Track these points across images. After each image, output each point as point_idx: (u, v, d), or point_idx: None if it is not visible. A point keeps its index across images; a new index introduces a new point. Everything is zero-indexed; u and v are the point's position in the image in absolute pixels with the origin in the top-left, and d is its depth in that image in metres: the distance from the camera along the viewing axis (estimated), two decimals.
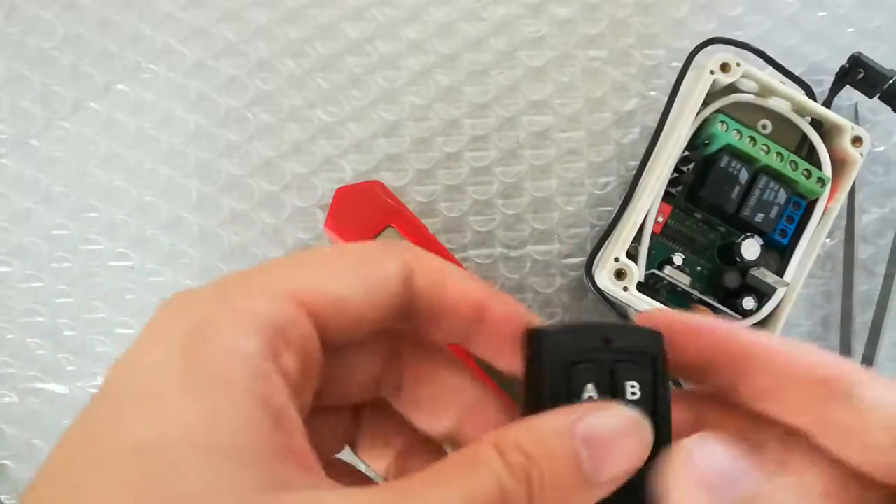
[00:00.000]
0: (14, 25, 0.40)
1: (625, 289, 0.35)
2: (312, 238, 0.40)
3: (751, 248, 0.36)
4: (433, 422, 0.22)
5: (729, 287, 0.37)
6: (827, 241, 0.40)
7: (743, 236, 0.36)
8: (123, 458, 0.15)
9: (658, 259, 0.37)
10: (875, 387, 0.18)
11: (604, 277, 0.35)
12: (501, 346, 0.21)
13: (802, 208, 0.37)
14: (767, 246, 0.37)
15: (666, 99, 0.41)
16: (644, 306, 0.35)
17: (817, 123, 0.37)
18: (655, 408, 0.20)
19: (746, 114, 0.37)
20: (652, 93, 0.42)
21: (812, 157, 0.37)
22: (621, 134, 0.42)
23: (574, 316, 0.41)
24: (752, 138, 0.36)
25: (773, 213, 0.36)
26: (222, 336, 0.17)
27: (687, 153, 0.37)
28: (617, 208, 0.38)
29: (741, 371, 0.20)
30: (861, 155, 0.36)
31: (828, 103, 0.39)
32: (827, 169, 0.37)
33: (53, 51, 0.40)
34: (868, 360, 0.40)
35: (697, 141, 0.37)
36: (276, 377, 0.17)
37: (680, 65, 0.42)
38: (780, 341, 0.20)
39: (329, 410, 0.22)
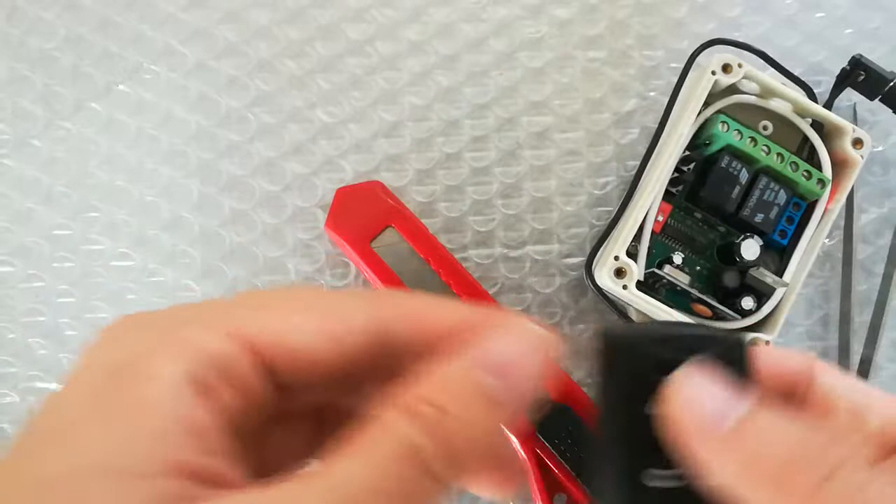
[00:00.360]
0: (15, 26, 0.40)
1: (624, 287, 0.35)
2: (313, 238, 0.40)
3: (750, 249, 0.36)
4: None
5: (728, 287, 0.37)
6: (826, 241, 0.40)
7: (742, 236, 0.36)
8: (27, 493, 0.15)
9: (658, 258, 0.37)
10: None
11: (603, 276, 0.35)
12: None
13: (802, 209, 0.37)
14: (767, 246, 0.36)
15: (665, 99, 0.41)
16: (644, 305, 0.35)
17: (818, 125, 0.37)
18: None
19: (747, 115, 0.36)
20: (651, 93, 0.42)
21: (812, 158, 0.37)
22: (620, 134, 0.41)
23: (574, 315, 0.40)
24: (753, 139, 0.35)
25: (773, 213, 0.36)
26: (148, 364, 0.16)
27: (688, 153, 0.36)
28: (617, 207, 0.37)
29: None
30: (861, 157, 0.36)
31: (829, 105, 0.38)
32: (827, 170, 0.36)
33: (55, 51, 0.40)
34: (867, 359, 0.40)
35: (698, 141, 0.36)
36: (199, 401, 0.16)
37: (679, 65, 0.41)
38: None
39: (289, 420, 0.21)
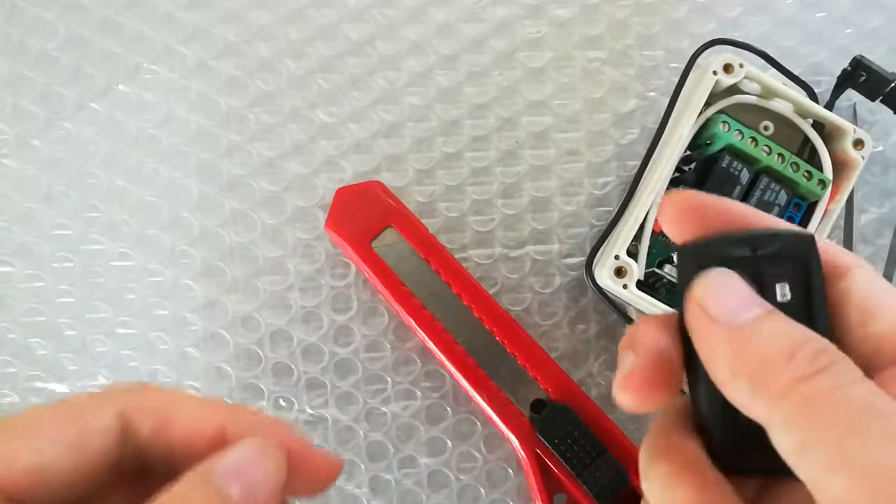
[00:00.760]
0: (15, 26, 0.39)
1: (624, 286, 0.34)
2: (313, 238, 0.39)
3: None
4: None
5: None
6: (825, 239, 0.39)
7: None
8: None
9: (658, 257, 0.36)
10: None
11: (604, 275, 0.34)
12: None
13: (803, 210, 0.36)
14: None
15: (665, 99, 0.40)
16: (644, 304, 0.34)
17: (819, 125, 0.36)
18: (810, 307, 0.19)
19: (748, 115, 0.36)
20: (651, 93, 0.41)
21: (813, 158, 0.36)
22: (620, 134, 0.41)
23: (574, 315, 0.40)
24: (754, 139, 0.35)
25: (774, 214, 0.35)
26: None
27: (688, 153, 0.36)
28: (617, 207, 0.37)
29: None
30: (862, 158, 0.35)
31: (830, 105, 0.37)
32: (828, 171, 0.36)
33: (55, 51, 0.39)
34: None
35: (699, 141, 0.36)
36: None
37: (679, 65, 0.41)
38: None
39: None
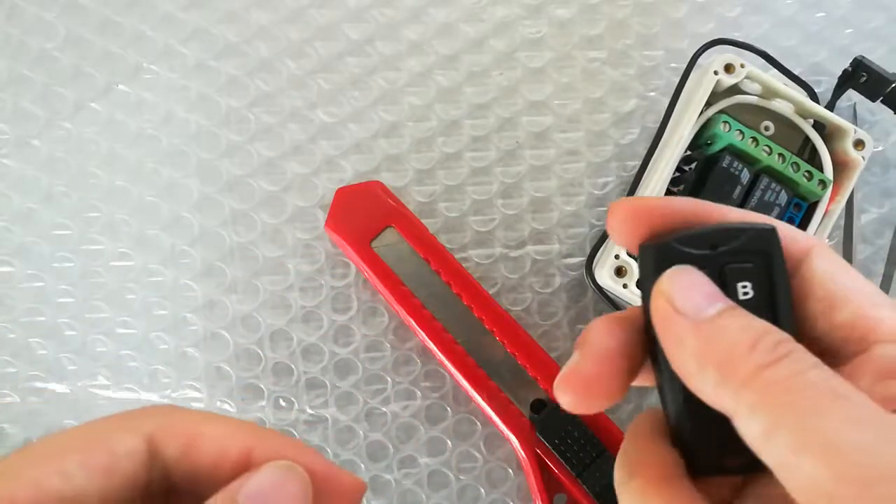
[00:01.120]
0: (15, 26, 0.39)
1: (624, 286, 0.34)
2: (313, 238, 0.39)
3: None
4: None
5: None
6: (826, 240, 0.39)
7: None
8: None
9: None
10: None
11: (604, 274, 0.34)
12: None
13: (803, 210, 0.35)
14: None
15: (665, 99, 0.40)
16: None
17: (820, 126, 0.36)
18: (774, 303, 0.19)
19: (749, 115, 0.35)
20: (651, 93, 0.40)
21: (814, 159, 0.36)
22: (620, 134, 0.40)
23: (573, 315, 0.39)
24: (755, 139, 0.34)
25: (774, 214, 0.35)
26: None
27: (689, 152, 0.35)
28: None
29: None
30: (863, 158, 0.35)
31: (830, 106, 0.37)
32: (828, 171, 0.35)
33: (55, 51, 0.39)
34: None
35: (700, 141, 0.35)
36: None
37: (679, 65, 0.40)
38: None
39: None
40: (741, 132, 0.34)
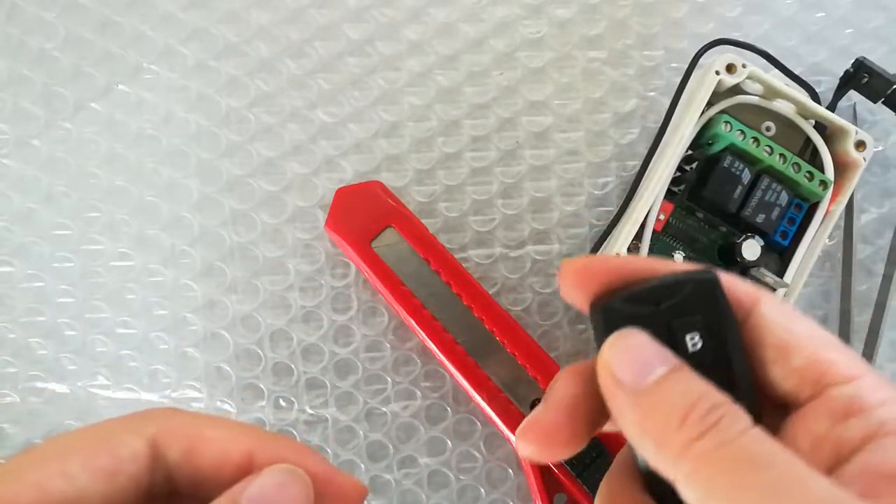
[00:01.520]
0: (15, 26, 0.38)
1: None
2: (313, 238, 0.38)
3: (751, 249, 0.34)
4: None
5: None
6: (826, 241, 0.38)
7: (744, 237, 0.34)
8: None
9: (659, 257, 0.35)
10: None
11: None
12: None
13: (804, 211, 0.35)
14: (768, 247, 0.35)
15: (665, 99, 0.39)
16: None
17: (821, 126, 0.35)
18: (724, 352, 0.19)
19: (750, 115, 0.35)
20: (651, 93, 0.40)
21: (815, 159, 0.35)
22: (620, 134, 0.40)
23: (574, 315, 0.39)
24: (756, 139, 0.34)
25: (775, 214, 0.34)
26: None
27: (690, 152, 0.35)
28: (618, 206, 0.36)
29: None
30: (864, 159, 0.34)
31: (832, 107, 0.36)
32: (829, 172, 0.35)
33: (55, 51, 0.38)
34: (866, 359, 0.38)
35: (701, 140, 0.35)
36: None
37: (679, 65, 0.40)
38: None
39: None
40: (742, 132, 0.33)
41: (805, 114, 0.35)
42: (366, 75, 0.39)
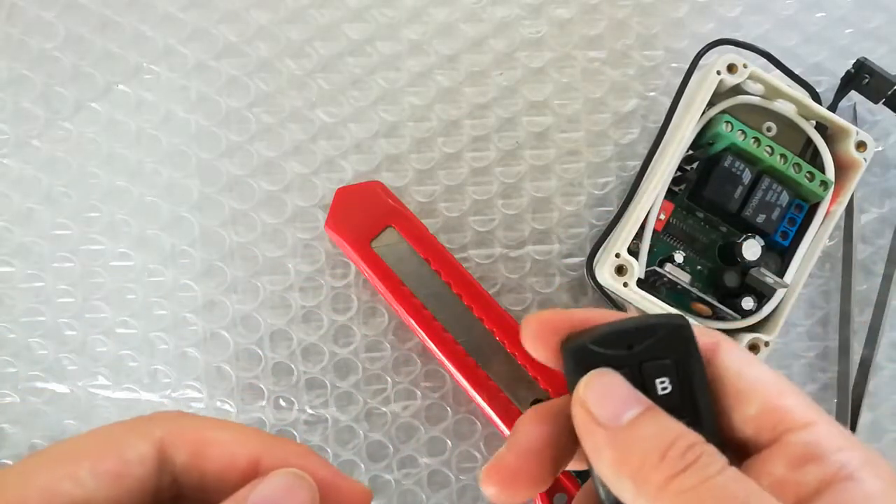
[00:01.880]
0: (15, 26, 0.38)
1: (625, 284, 0.33)
2: (313, 238, 0.38)
3: (751, 249, 0.34)
4: None
5: (728, 287, 0.35)
6: (826, 241, 0.38)
7: (744, 237, 0.34)
8: None
9: (659, 256, 0.35)
10: None
11: (605, 273, 0.33)
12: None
13: (804, 211, 0.34)
14: (768, 247, 0.34)
15: (665, 99, 0.39)
16: (644, 303, 0.33)
17: (822, 127, 0.35)
18: (692, 395, 0.20)
19: (751, 115, 0.34)
20: (651, 93, 0.39)
21: (816, 160, 0.35)
22: (620, 134, 0.39)
23: None
24: (757, 139, 0.33)
25: (775, 214, 0.34)
26: None
27: (691, 152, 0.34)
28: (617, 207, 0.35)
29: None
30: (865, 160, 0.34)
31: (833, 107, 0.36)
32: (830, 172, 0.34)
33: (55, 51, 0.38)
34: (867, 359, 0.38)
35: (702, 140, 0.34)
36: None
37: (679, 65, 0.39)
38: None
39: None
40: (743, 132, 0.33)
41: (806, 114, 0.34)
42: (366, 75, 0.38)
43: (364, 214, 0.36)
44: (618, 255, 0.33)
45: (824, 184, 0.34)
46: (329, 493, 0.19)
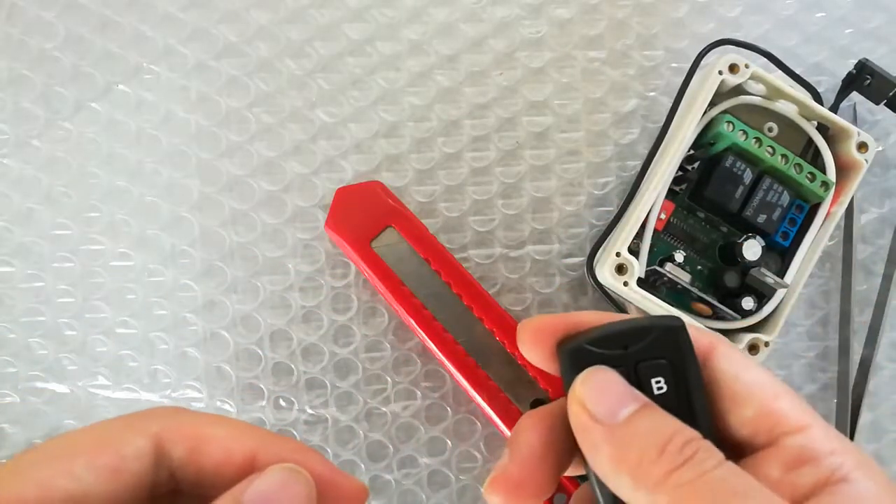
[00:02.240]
0: (15, 26, 0.37)
1: (625, 283, 0.32)
2: (313, 238, 0.37)
3: (752, 249, 0.33)
4: None
5: (729, 286, 0.34)
6: (827, 242, 0.37)
7: (744, 237, 0.33)
8: None
9: (659, 256, 0.34)
10: None
11: (605, 272, 0.32)
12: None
13: (805, 211, 0.34)
14: (768, 247, 0.34)
15: (665, 99, 0.38)
16: (644, 302, 0.33)
17: (823, 127, 0.34)
18: (687, 395, 0.19)
19: (753, 116, 0.34)
20: (651, 93, 0.39)
21: (817, 160, 0.34)
22: (620, 134, 0.39)
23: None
24: (758, 139, 0.33)
25: (776, 214, 0.33)
26: None
27: (692, 152, 0.34)
28: (618, 206, 0.35)
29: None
30: (866, 161, 0.33)
31: (834, 108, 0.35)
32: (831, 173, 0.34)
33: (55, 51, 0.37)
34: (867, 359, 0.37)
35: (703, 140, 0.34)
36: None
37: (679, 65, 0.39)
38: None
39: None
40: (745, 132, 0.32)
41: (808, 115, 0.34)
42: (366, 75, 0.38)
43: (364, 214, 0.35)
44: (618, 254, 0.32)
45: (825, 184, 0.33)
46: (326, 488, 0.19)
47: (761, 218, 0.33)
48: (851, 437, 0.36)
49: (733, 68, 0.32)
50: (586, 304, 0.38)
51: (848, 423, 0.37)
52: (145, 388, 0.36)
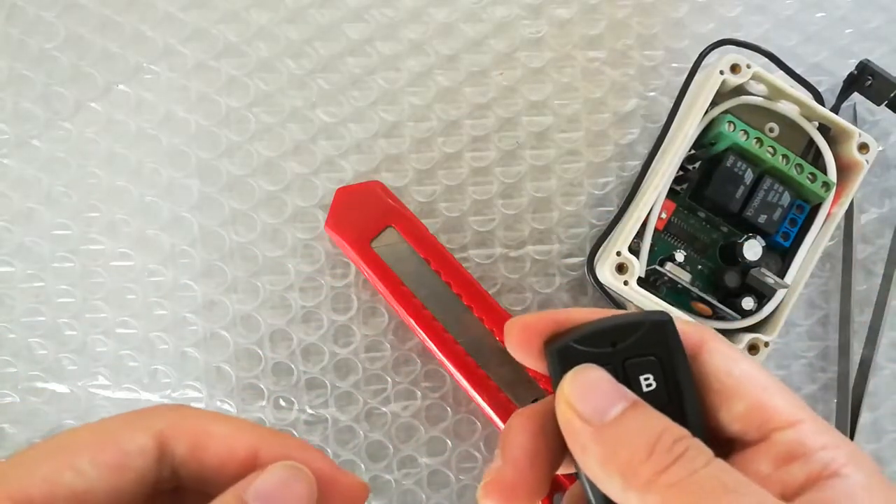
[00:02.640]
0: (15, 26, 0.37)
1: (625, 283, 0.32)
2: (313, 238, 0.37)
3: (752, 249, 0.33)
4: None
5: (729, 286, 0.34)
6: (827, 243, 0.37)
7: (745, 237, 0.33)
8: None
9: (660, 255, 0.34)
10: None
11: (605, 271, 0.32)
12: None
13: (806, 212, 0.33)
14: (769, 247, 0.33)
15: (665, 99, 0.38)
16: (645, 302, 0.32)
17: (824, 128, 0.34)
18: (677, 391, 0.19)
19: (754, 116, 0.33)
20: (651, 93, 0.38)
21: (818, 161, 0.34)
22: (620, 134, 0.38)
23: None
24: (759, 139, 0.32)
25: (777, 215, 0.33)
26: None
27: (693, 151, 0.33)
28: (618, 206, 0.34)
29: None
30: (867, 162, 0.33)
31: (835, 109, 0.35)
32: (832, 174, 0.33)
33: (55, 51, 0.37)
34: (867, 359, 0.37)
35: (704, 140, 0.33)
36: None
37: (679, 65, 0.38)
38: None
39: None
40: (746, 132, 0.32)
41: (809, 115, 0.33)
42: (366, 75, 0.37)
43: (364, 214, 0.35)
44: (619, 254, 0.32)
45: (826, 185, 0.33)
46: (327, 486, 0.19)
47: (762, 218, 0.33)
48: (851, 437, 0.36)
49: (735, 68, 0.32)
50: (586, 303, 0.37)
51: (848, 423, 0.36)
52: (145, 388, 0.36)
